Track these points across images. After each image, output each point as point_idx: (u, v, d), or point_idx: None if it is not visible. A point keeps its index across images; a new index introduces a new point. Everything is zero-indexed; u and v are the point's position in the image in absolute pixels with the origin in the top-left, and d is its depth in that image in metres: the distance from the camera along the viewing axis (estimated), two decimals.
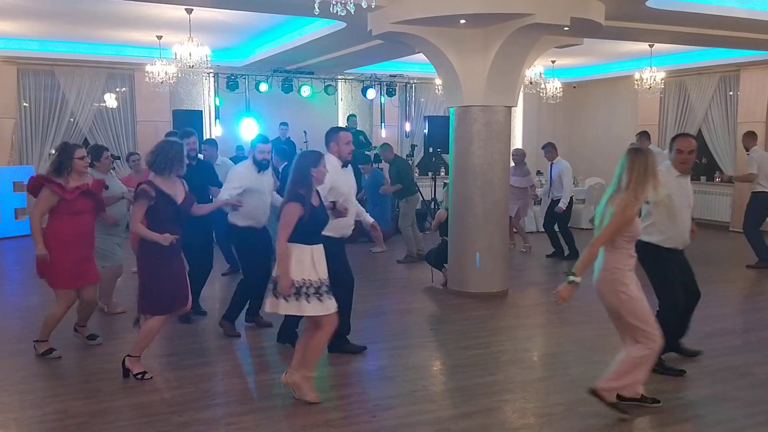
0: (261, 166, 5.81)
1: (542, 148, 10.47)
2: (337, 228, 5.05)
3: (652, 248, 4.85)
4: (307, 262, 4.24)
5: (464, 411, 4.36)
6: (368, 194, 10.33)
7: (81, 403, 4.42)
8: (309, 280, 4.22)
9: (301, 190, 4.27)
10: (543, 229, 10.53)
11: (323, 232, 4.54)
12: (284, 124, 12.19)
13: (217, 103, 12.78)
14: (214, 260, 6.75)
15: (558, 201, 9.94)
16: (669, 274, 4.91)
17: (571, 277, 3.94)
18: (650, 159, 4.02)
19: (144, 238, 4.65)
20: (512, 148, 10.08)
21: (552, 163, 10.14)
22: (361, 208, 5.68)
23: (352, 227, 5.34)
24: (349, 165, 5.36)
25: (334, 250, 4.88)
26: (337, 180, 5.07)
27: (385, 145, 10.37)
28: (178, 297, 4.80)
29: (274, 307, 4.26)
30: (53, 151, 10.21)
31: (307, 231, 4.26)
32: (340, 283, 4.98)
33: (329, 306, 4.30)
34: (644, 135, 10.77)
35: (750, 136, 9.42)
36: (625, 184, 4.01)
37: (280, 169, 9.37)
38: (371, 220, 5.63)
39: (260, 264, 5.80)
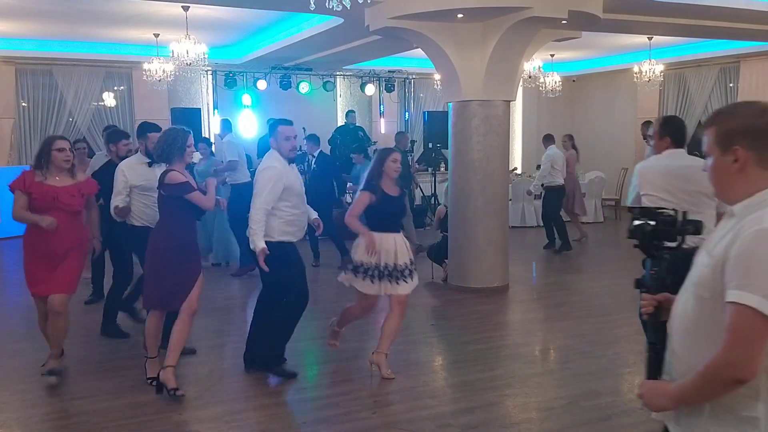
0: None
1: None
2: (293, 230, 4.75)
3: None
4: (384, 247, 4.62)
5: (465, 406, 4.36)
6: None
7: (81, 402, 4.41)
8: (372, 263, 4.62)
9: (374, 181, 4.69)
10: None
11: (278, 237, 4.61)
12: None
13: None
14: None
15: (549, 189, 9.99)
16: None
17: None
18: None
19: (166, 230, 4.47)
20: (511, 142, 10.17)
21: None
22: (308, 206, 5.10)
23: (305, 228, 4.99)
24: (294, 163, 4.95)
25: (292, 258, 4.74)
26: (288, 179, 4.68)
27: (400, 134, 10.40)
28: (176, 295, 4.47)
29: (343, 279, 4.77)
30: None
31: (378, 219, 4.67)
32: (295, 295, 4.78)
33: (376, 288, 4.67)
34: (648, 124, 10.65)
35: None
36: None
37: (314, 156, 9.08)
38: (315, 214, 5.10)
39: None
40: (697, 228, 1.99)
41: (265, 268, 4.54)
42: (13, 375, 4.95)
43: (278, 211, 4.64)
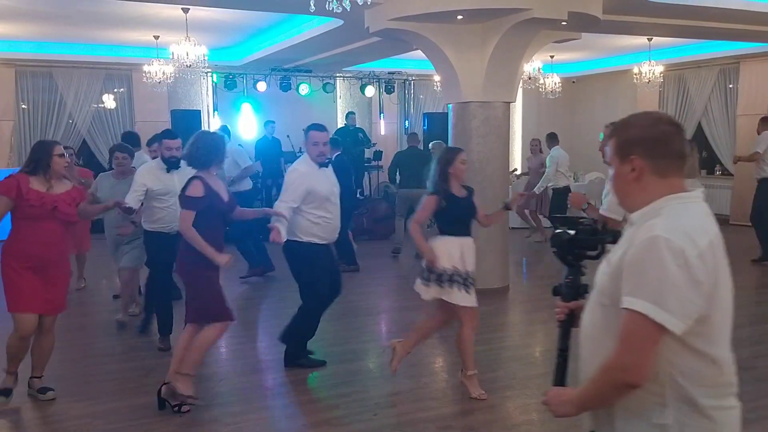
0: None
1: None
2: (321, 234, 4.84)
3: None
4: (455, 254, 4.41)
5: (466, 408, 4.35)
6: None
7: (82, 404, 4.41)
8: (457, 269, 4.40)
9: (441, 184, 4.45)
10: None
11: (306, 238, 4.76)
12: (271, 122, 12.16)
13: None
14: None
15: (554, 190, 10.01)
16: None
17: None
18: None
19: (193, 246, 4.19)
20: (511, 144, 10.24)
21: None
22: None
23: (338, 230, 5.04)
24: (329, 165, 5.01)
25: (320, 260, 4.84)
26: (313, 183, 4.77)
27: (413, 135, 10.60)
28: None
29: (425, 293, 4.47)
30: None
31: (451, 223, 4.47)
32: (313, 298, 4.92)
33: (473, 299, 4.48)
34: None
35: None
36: None
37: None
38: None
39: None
40: (615, 237, 2.01)
41: (280, 240, 4.60)
42: None
43: (303, 213, 4.77)
